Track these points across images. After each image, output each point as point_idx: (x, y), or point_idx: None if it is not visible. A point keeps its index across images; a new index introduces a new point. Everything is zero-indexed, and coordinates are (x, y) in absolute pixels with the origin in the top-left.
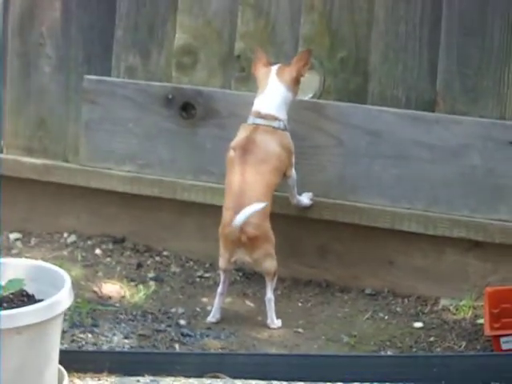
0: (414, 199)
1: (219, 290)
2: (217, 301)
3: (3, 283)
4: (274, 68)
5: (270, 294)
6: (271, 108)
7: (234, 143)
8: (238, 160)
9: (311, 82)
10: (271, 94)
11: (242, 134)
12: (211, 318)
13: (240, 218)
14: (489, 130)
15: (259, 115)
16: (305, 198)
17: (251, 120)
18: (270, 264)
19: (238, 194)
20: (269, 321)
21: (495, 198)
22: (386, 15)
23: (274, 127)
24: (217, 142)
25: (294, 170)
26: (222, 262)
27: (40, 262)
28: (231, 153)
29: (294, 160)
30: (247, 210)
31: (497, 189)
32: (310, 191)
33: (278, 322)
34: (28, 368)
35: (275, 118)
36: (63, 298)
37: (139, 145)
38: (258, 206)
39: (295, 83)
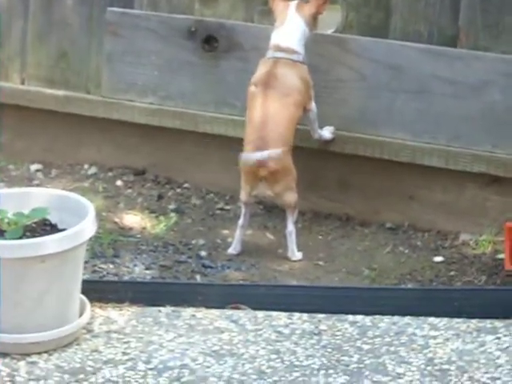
0: (435, 134)
1: (240, 222)
2: (238, 233)
3: (27, 212)
4: (294, 3)
5: (290, 227)
6: (291, 41)
7: (254, 78)
8: (259, 94)
9: (334, 16)
10: (290, 27)
11: (262, 69)
12: (232, 250)
13: (261, 156)
14: (510, 65)
15: (279, 48)
16: (326, 132)
17: (271, 54)
18: (291, 197)
19: (260, 128)
20: (289, 253)
21: None
22: None
23: (293, 60)
24: (239, 75)
25: (314, 104)
26: (243, 195)
27: (63, 192)
28: (252, 88)
29: (313, 93)
30: (269, 153)
31: None
32: (331, 125)
33: (298, 255)
34: (51, 296)
35: (294, 52)
36: (86, 228)
37: (161, 77)
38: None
39: (314, 19)
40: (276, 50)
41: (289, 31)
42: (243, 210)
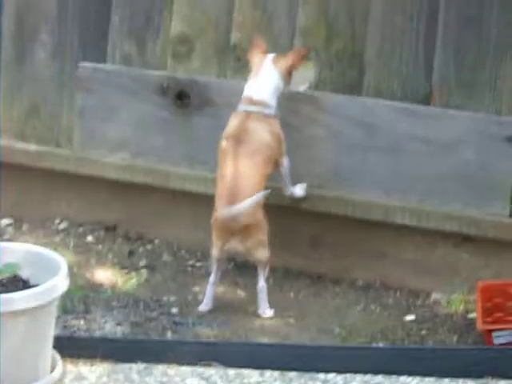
0: (407, 192)
1: (211, 279)
2: (209, 290)
3: None
4: (270, 56)
5: (262, 283)
6: (263, 94)
7: (226, 132)
8: (230, 150)
9: (307, 73)
10: (265, 79)
11: (233, 123)
12: (203, 307)
13: (237, 210)
14: (484, 125)
15: (251, 102)
16: (298, 189)
17: (242, 107)
18: (263, 253)
19: (231, 185)
20: (260, 310)
21: (488, 192)
22: (383, 7)
23: (265, 114)
24: (211, 132)
25: (286, 158)
26: (214, 251)
27: (36, 247)
28: (224, 143)
29: (285, 148)
30: (246, 203)
31: (490, 184)
32: (304, 182)
33: (269, 312)
34: (23, 352)
35: (267, 105)
36: (59, 283)
37: (133, 133)
38: (256, 198)
39: (289, 73)
40: (248, 104)
41: (262, 84)
42: (214, 267)
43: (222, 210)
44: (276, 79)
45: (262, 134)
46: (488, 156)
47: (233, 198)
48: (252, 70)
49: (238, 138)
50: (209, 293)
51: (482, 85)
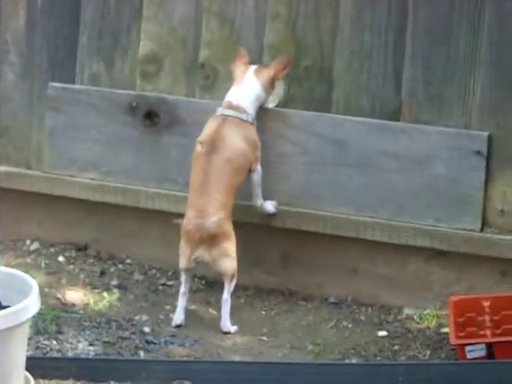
0: (378, 208)
1: (181, 290)
2: (180, 301)
3: None
4: (253, 67)
5: (226, 295)
6: (243, 100)
7: (201, 137)
8: (203, 157)
9: (276, 90)
10: (245, 87)
11: (209, 127)
12: (176, 320)
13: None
14: (453, 139)
15: (229, 106)
16: (269, 205)
17: (220, 111)
18: (228, 264)
19: (200, 193)
20: (222, 323)
21: (459, 207)
22: (351, 23)
23: (242, 119)
24: (181, 150)
25: (259, 166)
26: (182, 261)
27: (7, 269)
28: (198, 147)
29: (259, 155)
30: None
31: (461, 198)
32: (274, 199)
33: (231, 328)
34: None
35: (244, 111)
36: (31, 305)
37: (103, 152)
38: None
39: (271, 84)
40: (226, 108)
41: (243, 91)
42: (183, 277)
43: (189, 221)
44: (257, 89)
45: (237, 141)
46: (458, 171)
47: (201, 208)
48: (235, 80)
49: (213, 144)
50: (180, 304)
51: (451, 99)
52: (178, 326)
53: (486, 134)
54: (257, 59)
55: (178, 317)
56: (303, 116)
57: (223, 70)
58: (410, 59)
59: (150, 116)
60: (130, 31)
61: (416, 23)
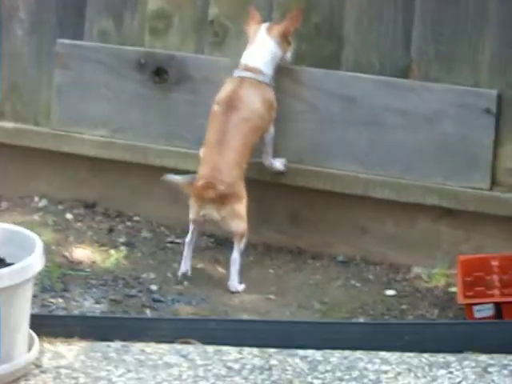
0: (387, 166)
1: (187, 239)
2: (186, 250)
3: None
4: (265, 24)
5: (235, 254)
6: (258, 61)
7: (218, 97)
8: (220, 116)
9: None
10: (259, 47)
11: (227, 88)
12: (181, 270)
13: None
14: (463, 97)
15: (246, 68)
16: (278, 163)
17: (237, 73)
18: (238, 224)
19: (215, 151)
20: (230, 282)
21: (468, 165)
22: None
23: (259, 81)
24: (189, 107)
25: (272, 127)
26: (191, 213)
27: (11, 226)
28: (215, 107)
29: (274, 116)
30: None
31: (470, 156)
32: (283, 157)
33: (239, 286)
34: None
35: (261, 72)
36: (34, 262)
37: (111, 109)
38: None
39: (284, 39)
40: (243, 69)
41: (258, 52)
42: (191, 227)
43: (200, 178)
44: (271, 47)
45: (254, 101)
46: (467, 128)
47: (215, 165)
48: (249, 40)
49: (230, 104)
50: (185, 253)
51: (460, 57)
52: (184, 275)
53: (495, 92)
54: (266, 17)
55: (184, 266)
56: (312, 73)
57: (233, 28)
58: (419, 17)
59: (159, 73)
60: None
61: None
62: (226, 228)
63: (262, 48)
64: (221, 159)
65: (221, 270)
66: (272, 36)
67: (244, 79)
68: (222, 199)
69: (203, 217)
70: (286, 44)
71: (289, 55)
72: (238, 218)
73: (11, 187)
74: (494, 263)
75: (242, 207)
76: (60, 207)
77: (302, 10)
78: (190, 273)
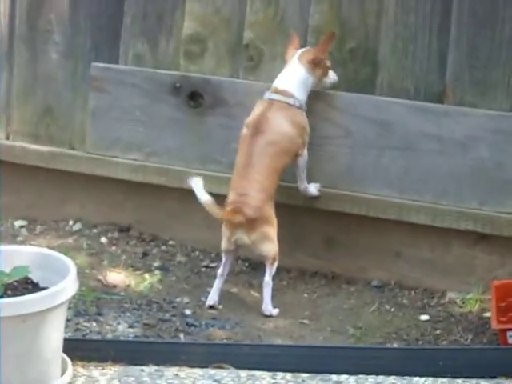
0: (421, 191)
1: (219, 271)
2: (216, 282)
3: (8, 270)
4: (300, 50)
5: (267, 278)
6: (288, 85)
7: (247, 120)
8: (248, 139)
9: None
10: (290, 72)
11: (256, 111)
12: (209, 301)
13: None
14: (498, 122)
15: (276, 90)
16: (312, 188)
17: (267, 95)
18: (269, 247)
19: (241, 176)
20: (263, 306)
21: (503, 190)
22: (396, 5)
23: (288, 104)
24: (224, 131)
25: (305, 150)
26: (223, 242)
27: (45, 250)
28: (244, 130)
29: (307, 139)
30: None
31: (505, 182)
32: (317, 182)
33: (273, 310)
34: (32, 356)
35: (291, 95)
36: (68, 286)
37: (146, 133)
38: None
39: (314, 66)
40: (273, 92)
41: (288, 76)
42: (224, 259)
43: (229, 204)
44: (302, 72)
45: (283, 124)
46: (502, 154)
47: (242, 190)
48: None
49: (258, 127)
50: (215, 285)
51: (495, 82)
52: (211, 307)
53: None
54: (302, 41)
55: (212, 297)
56: (347, 98)
57: (267, 51)
58: (454, 42)
59: (194, 97)
60: (175, 11)
61: (461, 6)
62: (257, 252)
63: (291, 72)
64: (248, 183)
65: (255, 294)
66: (302, 62)
67: (273, 102)
68: (251, 223)
69: (235, 242)
70: (320, 70)
71: (328, 81)
72: (268, 242)
73: (46, 211)
74: None
75: (271, 230)
76: (94, 231)
77: (332, 35)
78: (217, 305)
